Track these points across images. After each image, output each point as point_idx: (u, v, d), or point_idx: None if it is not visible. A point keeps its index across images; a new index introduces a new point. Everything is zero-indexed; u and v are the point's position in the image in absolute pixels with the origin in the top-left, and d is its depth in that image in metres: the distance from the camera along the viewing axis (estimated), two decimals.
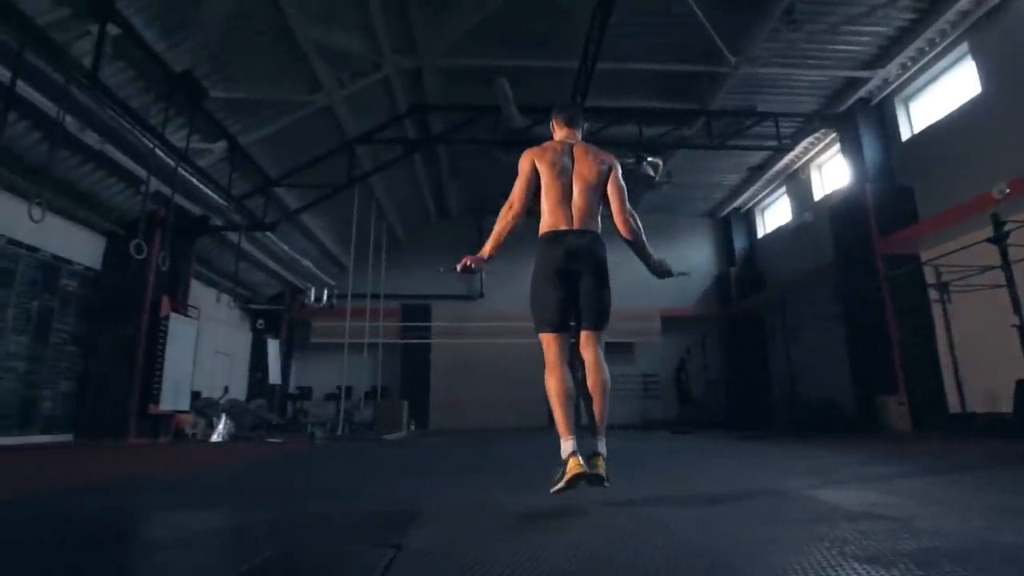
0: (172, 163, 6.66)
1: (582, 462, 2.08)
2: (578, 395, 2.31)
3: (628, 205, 2.47)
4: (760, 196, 13.14)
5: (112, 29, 5.43)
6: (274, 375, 11.14)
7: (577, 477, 2.05)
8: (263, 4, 6.29)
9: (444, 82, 8.85)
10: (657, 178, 10.66)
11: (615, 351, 13.10)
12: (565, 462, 2.10)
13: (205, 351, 10.64)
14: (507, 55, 8.15)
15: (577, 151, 2.50)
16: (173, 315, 8.12)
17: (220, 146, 7.83)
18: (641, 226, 2.50)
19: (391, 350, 12.53)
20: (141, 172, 6.71)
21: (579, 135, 2.63)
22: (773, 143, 9.71)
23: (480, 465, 4.56)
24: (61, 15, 5.19)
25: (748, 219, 13.93)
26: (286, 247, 9.99)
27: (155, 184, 6.92)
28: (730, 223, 14.00)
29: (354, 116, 8.73)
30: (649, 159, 9.66)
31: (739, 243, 13.79)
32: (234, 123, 7.76)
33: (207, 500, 2.76)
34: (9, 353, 6.51)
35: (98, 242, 7.88)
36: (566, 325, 2.38)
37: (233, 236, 8.90)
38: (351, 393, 11.82)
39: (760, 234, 13.52)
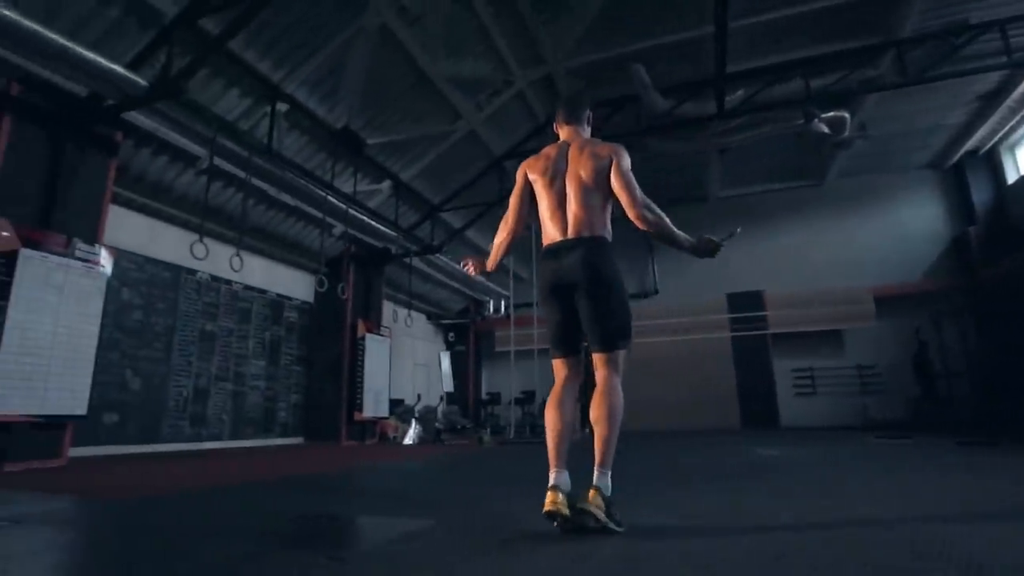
0: (343, 207, 7.82)
1: (560, 499, 1.86)
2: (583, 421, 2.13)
3: (640, 195, 2.13)
4: (1005, 130, 10.21)
5: (281, 106, 6.65)
6: (447, 384, 12.19)
7: (548, 515, 1.87)
8: (394, 55, 7.05)
9: (578, 83, 8.81)
10: (845, 135, 9.08)
11: (817, 341, 11.41)
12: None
13: (406, 364, 12.14)
14: (635, 39, 7.80)
15: (572, 151, 2.25)
16: (368, 335, 9.47)
17: (386, 185, 8.95)
18: (661, 214, 2.15)
19: None
20: (332, 219, 8.06)
21: (583, 131, 2.37)
22: (1002, 59, 7.52)
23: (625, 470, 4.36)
24: (245, 105, 6.56)
25: (991, 162, 10.90)
26: (458, 266, 10.90)
27: (343, 227, 8.24)
28: (963, 171, 11.13)
29: (498, 134, 9.20)
30: (822, 115, 8.27)
31: (980, 194, 10.87)
32: (394, 162, 8.80)
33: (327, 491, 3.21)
34: (253, 374, 8.31)
35: (309, 279, 9.60)
36: (573, 348, 2.18)
37: (412, 261, 10.05)
38: (535, 397, 12.34)
39: (1012, 178, 10.49)
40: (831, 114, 8.63)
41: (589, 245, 2.11)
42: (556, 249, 2.16)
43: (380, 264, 10.03)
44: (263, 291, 8.68)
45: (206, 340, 7.64)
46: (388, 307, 10.82)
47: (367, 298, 9.83)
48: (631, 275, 12.98)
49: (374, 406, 9.36)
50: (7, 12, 4.43)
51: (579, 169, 2.19)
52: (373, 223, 8.49)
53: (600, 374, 2.09)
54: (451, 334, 13.24)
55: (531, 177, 2.30)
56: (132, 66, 5.45)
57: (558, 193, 2.22)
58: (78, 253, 5.39)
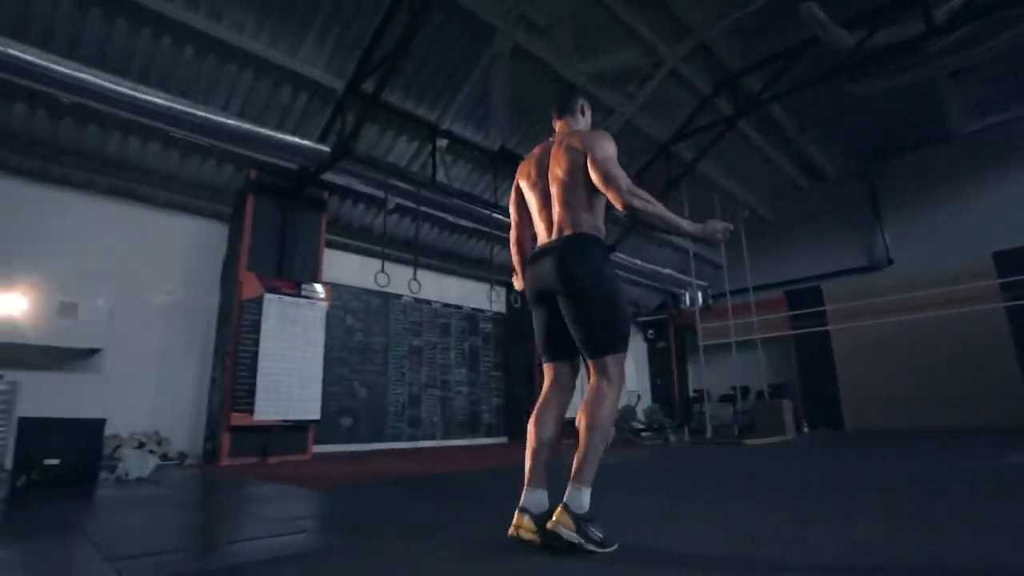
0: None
1: (524, 522, 1.80)
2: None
3: (624, 184, 1.90)
4: None
5: (441, 142, 7.46)
6: (631, 382, 11.74)
7: (513, 537, 1.80)
8: (532, 69, 7.32)
9: (739, 43, 7.93)
10: None
11: None
12: None
13: None
14: None
15: (554, 147, 2.13)
16: None
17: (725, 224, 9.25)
18: (651, 200, 1.90)
19: (782, 344, 11.28)
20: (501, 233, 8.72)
21: (576, 123, 2.22)
22: None
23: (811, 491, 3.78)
24: (414, 147, 7.53)
25: None
26: (638, 261, 10.61)
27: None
28: None
29: (658, 119, 8.78)
30: None
31: None
32: None
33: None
34: (456, 381, 9.34)
35: (499, 291, 10.39)
36: (559, 353, 2.07)
37: None
38: (747, 393, 11.28)
39: None
40: None
41: (566, 246, 1.98)
42: (538, 253, 2.09)
43: None
44: (459, 307, 9.72)
45: (414, 354, 8.89)
46: None
47: None
48: (853, 246, 10.93)
49: (571, 406, 9.63)
50: (248, 125, 5.97)
51: (556, 166, 2.08)
52: None
53: (590, 381, 1.95)
54: (650, 331, 12.87)
55: (519, 182, 2.25)
56: (322, 138, 6.78)
57: (542, 193, 2.13)
58: (304, 292, 6.85)
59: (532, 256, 2.12)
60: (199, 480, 4.43)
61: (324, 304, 7.03)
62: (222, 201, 7.12)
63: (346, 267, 8.23)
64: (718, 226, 1.97)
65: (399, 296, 8.82)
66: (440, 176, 7.78)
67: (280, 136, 6.20)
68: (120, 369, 6.09)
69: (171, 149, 6.44)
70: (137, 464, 4.11)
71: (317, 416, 6.66)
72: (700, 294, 11.79)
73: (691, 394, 12.69)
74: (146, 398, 6.21)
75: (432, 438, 8.74)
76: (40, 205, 5.87)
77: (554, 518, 1.74)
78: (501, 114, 7.66)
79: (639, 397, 10.22)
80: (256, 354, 6.28)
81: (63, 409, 5.09)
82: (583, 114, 2.26)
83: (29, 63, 4.75)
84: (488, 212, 7.99)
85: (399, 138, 7.47)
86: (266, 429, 6.25)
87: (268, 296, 6.51)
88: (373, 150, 7.37)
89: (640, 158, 9.21)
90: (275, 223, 6.91)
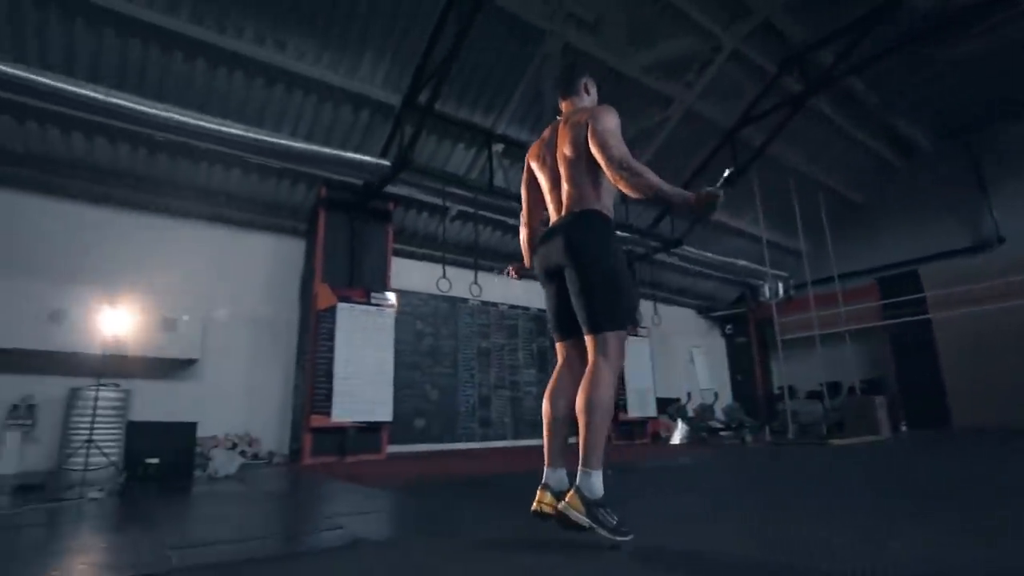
0: None
1: (547, 498, 1.85)
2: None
3: (617, 154, 1.88)
4: None
5: (497, 147, 7.59)
6: (703, 380, 11.22)
7: (534, 515, 1.84)
8: (592, 68, 7.26)
9: (804, 16, 7.44)
10: None
11: None
12: None
13: (675, 361, 11.85)
14: None
15: (561, 127, 2.14)
16: (628, 337, 9.67)
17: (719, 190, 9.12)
18: (644, 170, 1.85)
19: (874, 336, 10.41)
20: None
21: (581, 102, 2.23)
22: None
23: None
24: (472, 154, 7.72)
25: None
26: (709, 254, 10.21)
27: None
28: None
29: (720, 105, 8.43)
30: None
31: None
32: None
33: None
34: (525, 381, 9.43)
35: None
36: (570, 331, 2.08)
37: (661, 258, 9.91)
38: (839, 389, 10.57)
39: None
40: None
41: (573, 221, 2.01)
42: (547, 232, 2.12)
43: (629, 268, 10.17)
44: (526, 308, 9.81)
45: (483, 355, 9.08)
46: (658, 306, 10.79)
47: None
48: (954, 225, 9.89)
49: (639, 406, 9.46)
50: (315, 146, 6.42)
51: (563, 144, 2.10)
52: None
53: (588, 360, 1.93)
54: (728, 326, 12.32)
55: (531, 163, 2.28)
56: (383, 152, 7.11)
57: (551, 173, 2.16)
58: (373, 300, 7.21)
59: (542, 236, 2.16)
60: (277, 477, 4.80)
61: (392, 310, 7.35)
62: (298, 218, 7.65)
63: (414, 274, 8.54)
64: (710, 195, 1.89)
65: (465, 300, 9.04)
66: (499, 180, 7.91)
67: (343, 154, 6.58)
68: (215, 377, 6.72)
69: (250, 174, 7.02)
70: (224, 463, 4.53)
71: (389, 418, 6.98)
72: (780, 285, 11.16)
73: (775, 391, 12.02)
74: (238, 402, 6.80)
75: (503, 438, 8.88)
76: (143, 232, 6.60)
77: (566, 499, 1.77)
78: (554, 115, 7.67)
79: (716, 395, 9.83)
80: (332, 360, 6.69)
81: (167, 414, 5.71)
82: (588, 92, 2.28)
83: (131, 110, 5.38)
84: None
85: (456, 146, 7.68)
86: (343, 430, 6.64)
87: (341, 305, 6.91)
88: (432, 160, 7.63)
89: (704, 146, 8.88)
90: (345, 236, 7.33)
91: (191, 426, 4.62)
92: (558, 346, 2.17)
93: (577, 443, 1.87)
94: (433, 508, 2.96)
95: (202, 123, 5.77)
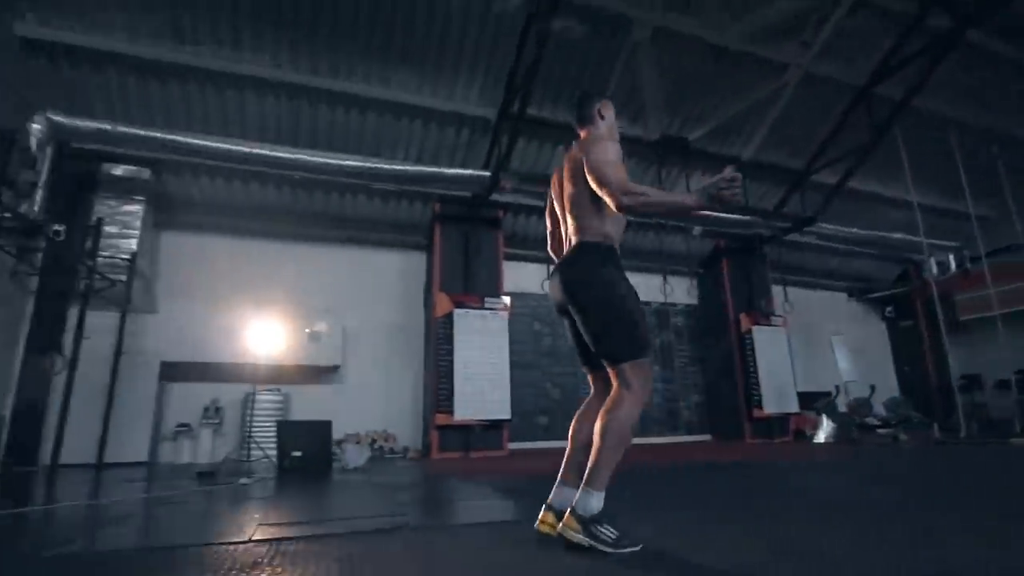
0: None
1: (550, 519, 1.91)
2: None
3: (616, 182, 1.85)
4: None
5: None
6: (846, 371, 9.79)
7: (538, 532, 1.91)
8: (678, 48, 6.98)
9: None
10: None
11: None
12: None
13: (823, 351, 10.68)
14: None
15: (567, 158, 2.14)
16: (756, 327, 9.00)
17: (728, 171, 8.53)
18: (645, 191, 1.84)
19: None
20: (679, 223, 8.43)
21: (595, 129, 2.17)
22: None
23: None
24: None
25: None
26: (855, 229, 9.08)
27: (699, 227, 8.46)
28: None
29: (846, 62, 7.50)
30: None
31: None
32: (730, 146, 8.36)
33: None
34: None
35: (689, 283, 9.94)
36: (591, 363, 2.10)
37: (794, 239, 9.06)
38: None
39: None
40: None
41: (570, 261, 2.03)
42: (554, 269, 2.14)
43: (755, 253, 9.45)
44: (646, 303, 9.57)
45: None
46: (789, 292, 9.90)
47: (749, 290, 9.39)
48: None
49: (777, 401, 8.71)
50: (425, 168, 7.03)
51: (566, 177, 2.11)
52: (721, 215, 8.24)
53: (612, 389, 1.93)
54: (888, 309, 10.78)
55: (551, 192, 2.29)
56: (486, 164, 7.48)
57: (561, 206, 2.18)
58: (487, 304, 7.61)
59: (552, 271, 2.18)
60: (399, 470, 5.32)
61: (505, 314, 7.69)
62: (419, 234, 8.35)
63: (529, 276, 8.81)
64: (720, 183, 1.81)
65: None
66: None
67: (445, 171, 7.09)
68: (355, 380, 7.60)
69: (374, 198, 7.85)
70: (353, 456, 5.15)
71: (508, 416, 7.30)
72: (952, 257, 9.57)
73: (957, 381, 10.24)
74: (376, 402, 7.60)
75: None
76: (291, 258, 7.71)
77: (564, 521, 1.80)
78: (655, 102, 7.44)
79: (873, 389, 8.70)
80: (451, 362, 7.20)
81: (317, 413, 6.59)
82: (602, 117, 2.21)
83: (274, 158, 6.37)
84: None
85: (556, 148, 7.81)
86: (466, 427, 7.10)
87: (457, 311, 7.41)
88: (535, 165, 7.85)
89: (830, 111, 7.95)
90: (459, 246, 7.84)
91: (327, 424, 5.32)
92: (589, 377, 2.19)
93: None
94: (493, 501, 3.14)
95: (330, 160, 6.61)
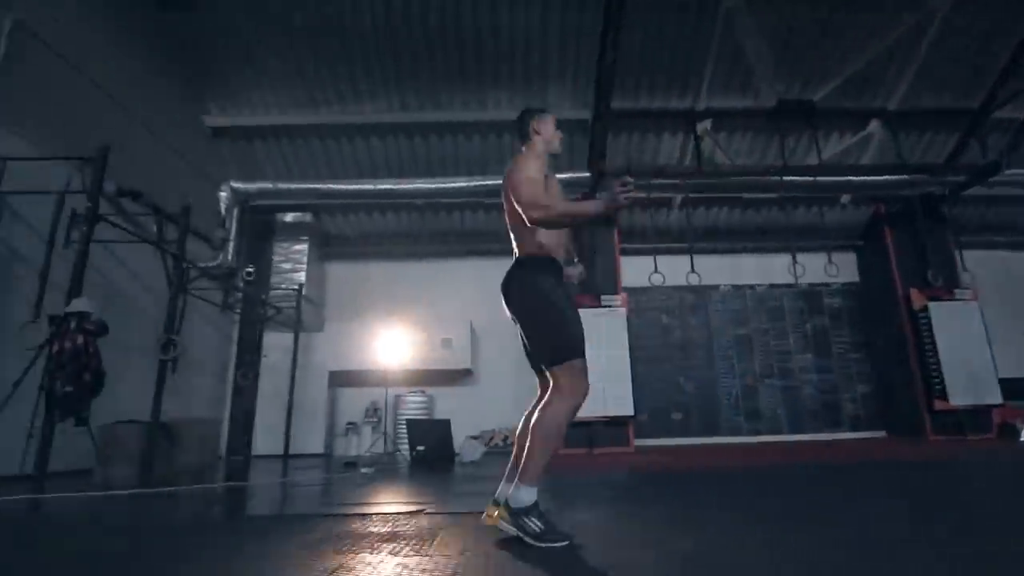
0: (809, 179, 7.17)
1: (491, 510, 2.03)
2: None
3: (527, 197, 1.97)
4: None
5: (703, 124, 7.19)
6: None
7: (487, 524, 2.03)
8: (780, 5, 6.34)
9: None
10: None
11: None
12: None
13: None
14: None
15: (504, 177, 2.23)
16: (932, 303, 7.62)
17: (874, 126, 7.39)
18: (551, 203, 1.96)
19: None
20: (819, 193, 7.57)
21: (531, 146, 2.28)
22: None
23: None
24: (678, 140, 7.49)
25: None
26: None
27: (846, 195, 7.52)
28: None
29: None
30: None
31: None
32: (869, 98, 7.24)
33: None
34: (801, 368, 8.36)
35: (844, 260, 8.75)
36: (535, 366, 2.17)
37: (975, 193, 7.50)
38: None
39: None
40: None
41: (509, 275, 2.15)
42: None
43: (927, 216, 7.97)
44: (790, 285, 8.69)
45: (742, 343, 8.46)
46: (993, 257, 8.19)
47: (921, 260, 7.96)
48: None
49: (970, 390, 7.23)
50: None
51: (504, 194, 2.21)
52: (871, 179, 7.19)
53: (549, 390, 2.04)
54: None
55: None
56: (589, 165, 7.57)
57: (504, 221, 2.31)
58: (603, 302, 7.69)
59: None
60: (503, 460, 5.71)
61: (624, 309, 7.67)
62: None
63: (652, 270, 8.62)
64: (616, 188, 1.85)
65: (715, 287, 8.65)
66: (719, 156, 7.46)
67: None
68: (488, 381, 8.25)
69: (491, 211, 8.44)
70: (469, 451, 5.70)
71: (630, 412, 7.27)
72: None
73: None
74: (509, 401, 8.15)
75: (777, 432, 8.06)
76: (428, 273, 8.66)
77: (497, 512, 1.97)
78: (764, 68, 6.82)
79: None
80: None
81: (457, 412, 7.35)
82: (538, 133, 2.31)
83: (411, 189, 7.29)
84: (778, 177, 7.11)
85: (662, 135, 7.59)
86: (587, 424, 7.26)
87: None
88: (640, 155, 7.72)
89: (1003, 31, 6.43)
90: (572, 247, 8.03)
91: (446, 422, 5.96)
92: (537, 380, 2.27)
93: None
94: (554, 504, 3.33)
95: (441, 185, 7.34)
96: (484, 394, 8.18)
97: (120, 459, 4.21)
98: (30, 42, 4.60)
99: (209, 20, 6.33)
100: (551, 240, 2.17)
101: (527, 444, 1.98)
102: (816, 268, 7.65)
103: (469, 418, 7.91)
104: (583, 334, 2.08)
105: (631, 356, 7.73)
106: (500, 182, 7.05)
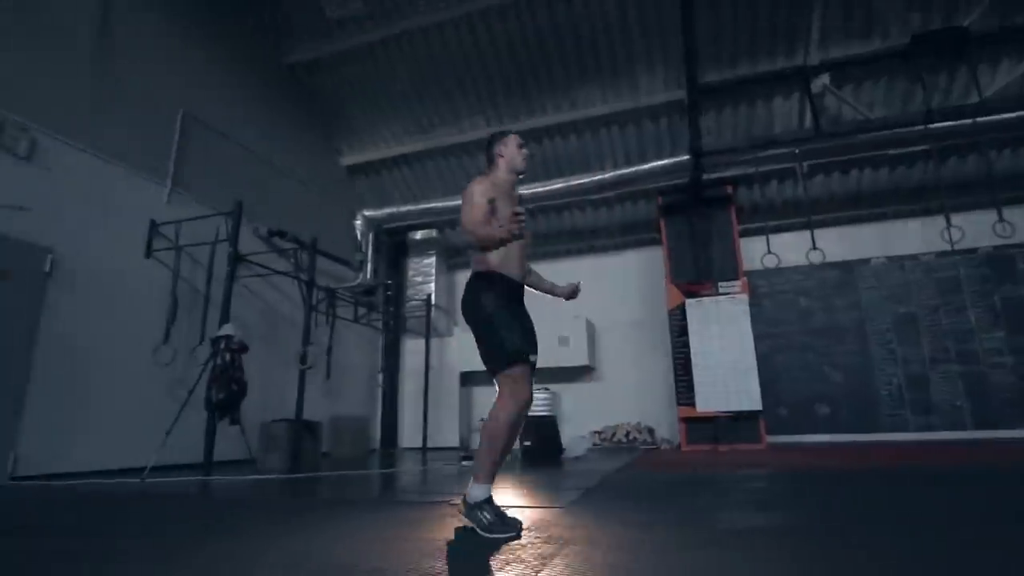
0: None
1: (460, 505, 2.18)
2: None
3: (463, 221, 2.20)
4: None
5: (818, 82, 6.39)
6: None
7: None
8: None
9: None
10: None
11: None
12: None
13: None
14: None
15: None
16: None
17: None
18: (474, 228, 2.14)
19: None
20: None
21: (496, 169, 2.43)
22: None
23: None
24: (794, 100, 6.72)
25: None
26: None
27: None
28: None
29: None
30: None
31: None
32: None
33: None
34: (988, 349, 6.91)
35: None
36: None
37: None
38: None
39: None
40: None
41: (465, 286, 2.34)
42: None
43: None
44: (970, 251, 7.21)
45: (905, 323, 7.24)
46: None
47: None
48: None
49: None
50: (626, 169, 7.35)
51: None
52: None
53: None
54: None
55: None
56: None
57: None
58: (721, 289, 7.23)
59: None
60: (612, 460, 5.71)
61: (744, 296, 7.13)
62: (651, 230, 8.49)
63: (787, 248, 7.82)
64: (511, 218, 2.00)
65: (865, 260, 7.57)
66: (847, 112, 6.58)
67: (644, 167, 7.13)
68: (611, 377, 8.25)
69: (600, 208, 8.43)
70: (574, 446, 5.84)
71: (758, 407, 6.74)
72: None
73: None
74: (630, 397, 8.06)
75: (958, 427, 6.75)
76: (547, 273, 8.90)
77: (461, 510, 2.17)
78: (888, 2, 5.85)
79: None
80: (687, 354, 7.13)
81: (579, 408, 7.57)
82: (501, 155, 2.44)
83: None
84: (923, 126, 6.01)
85: (773, 100, 6.90)
86: (711, 419, 6.89)
87: (688, 302, 7.30)
88: (752, 127, 7.11)
89: None
90: (686, 234, 7.68)
91: (552, 419, 6.19)
92: None
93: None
94: (630, 503, 3.38)
95: (547, 187, 7.56)
96: (606, 390, 8.19)
97: (274, 450, 5.20)
98: (194, 125, 5.91)
99: (333, 79, 7.42)
100: (501, 256, 2.30)
101: (482, 441, 2.17)
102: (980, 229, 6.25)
103: (591, 415, 8.00)
104: (525, 345, 2.21)
105: (761, 345, 7.18)
106: (597, 177, 7.22)
